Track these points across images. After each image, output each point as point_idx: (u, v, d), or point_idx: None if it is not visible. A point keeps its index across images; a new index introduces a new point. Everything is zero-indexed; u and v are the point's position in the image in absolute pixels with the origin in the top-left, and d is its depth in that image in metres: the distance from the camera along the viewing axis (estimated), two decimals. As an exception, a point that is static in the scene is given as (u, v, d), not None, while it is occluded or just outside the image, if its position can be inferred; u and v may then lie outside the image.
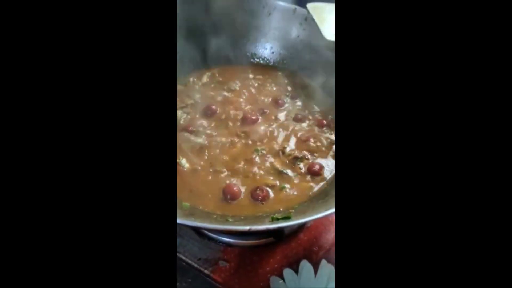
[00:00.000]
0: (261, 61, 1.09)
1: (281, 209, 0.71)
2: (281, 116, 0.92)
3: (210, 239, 0.76)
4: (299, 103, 0.97)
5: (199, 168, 0.78)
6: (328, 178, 0.78)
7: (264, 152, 0.82)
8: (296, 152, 0.82)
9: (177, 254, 0.73)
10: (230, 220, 0.67)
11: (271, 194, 0.74)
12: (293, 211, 0.69)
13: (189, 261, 0.73)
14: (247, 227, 0.49)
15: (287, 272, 0.70)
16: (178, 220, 0.51)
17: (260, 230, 0.50)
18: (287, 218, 0.62)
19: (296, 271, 0.70)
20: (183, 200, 0.71)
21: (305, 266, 0.71)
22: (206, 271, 0.71)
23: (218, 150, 0.81)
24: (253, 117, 0.89)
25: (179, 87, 0.97)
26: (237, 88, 0.99)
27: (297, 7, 1.01)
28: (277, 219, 0.62)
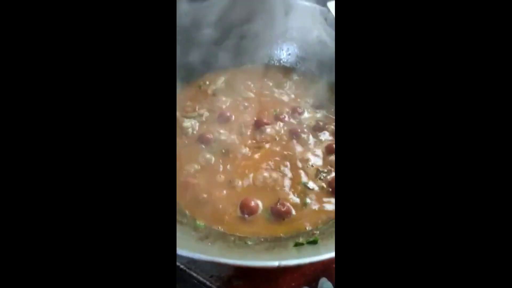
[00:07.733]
0: (277, 63, 1.04)
1: (307, 228, 0.66)
2: (302, 123, 0.87)
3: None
4: (319, 111, 0.90)
5: (214, 181, 0.73)
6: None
7: (284, 163, 0.77)
8: (319, 165, 0.76)
9: (187, 270, 0.68)
10: (249, 243, 0.63)
11: (293, 210, 0.69)
12: (318, 232, 0.64)
13: (201, 279, 0.68)
14: (275, 263, 0.43)
15: (305, 291, 0.65)
16: (190, 254, 0.48)
17: (290, 266, 0.44)
18: (313, 242, 0.56)
19: (315, 290, 0.65)
20: (196, 217, 0.67)
21: (325, 284, 0.65)
22: (218, 290, 0.67)
23: (233, 162, 0.77)
24: (269, 124, 0.84)
25: (192, 89, 0.93)
26: (252, 94, 0.94)
27: (317, 6, 0.95)
28: (301, 244, 0.57)
